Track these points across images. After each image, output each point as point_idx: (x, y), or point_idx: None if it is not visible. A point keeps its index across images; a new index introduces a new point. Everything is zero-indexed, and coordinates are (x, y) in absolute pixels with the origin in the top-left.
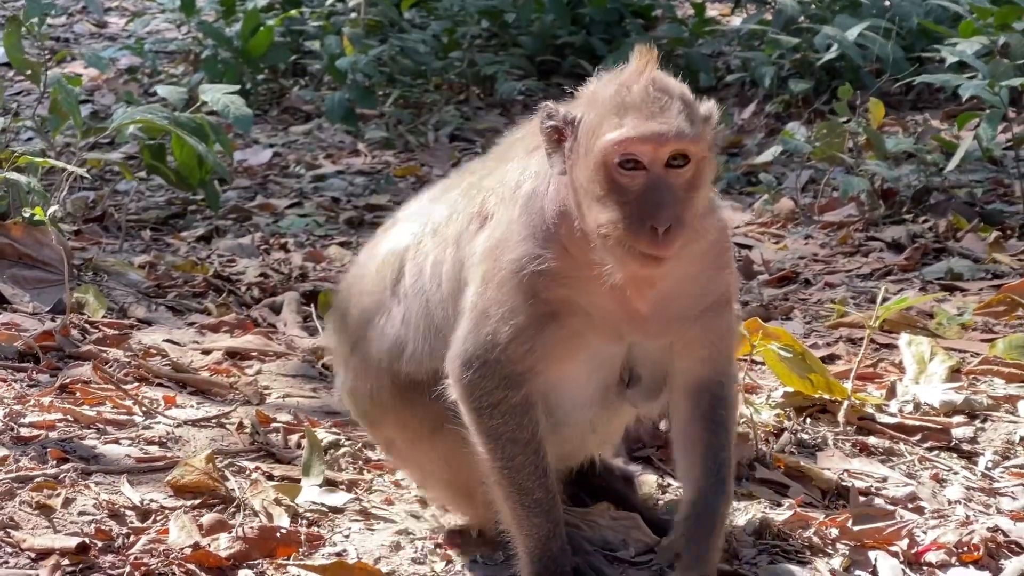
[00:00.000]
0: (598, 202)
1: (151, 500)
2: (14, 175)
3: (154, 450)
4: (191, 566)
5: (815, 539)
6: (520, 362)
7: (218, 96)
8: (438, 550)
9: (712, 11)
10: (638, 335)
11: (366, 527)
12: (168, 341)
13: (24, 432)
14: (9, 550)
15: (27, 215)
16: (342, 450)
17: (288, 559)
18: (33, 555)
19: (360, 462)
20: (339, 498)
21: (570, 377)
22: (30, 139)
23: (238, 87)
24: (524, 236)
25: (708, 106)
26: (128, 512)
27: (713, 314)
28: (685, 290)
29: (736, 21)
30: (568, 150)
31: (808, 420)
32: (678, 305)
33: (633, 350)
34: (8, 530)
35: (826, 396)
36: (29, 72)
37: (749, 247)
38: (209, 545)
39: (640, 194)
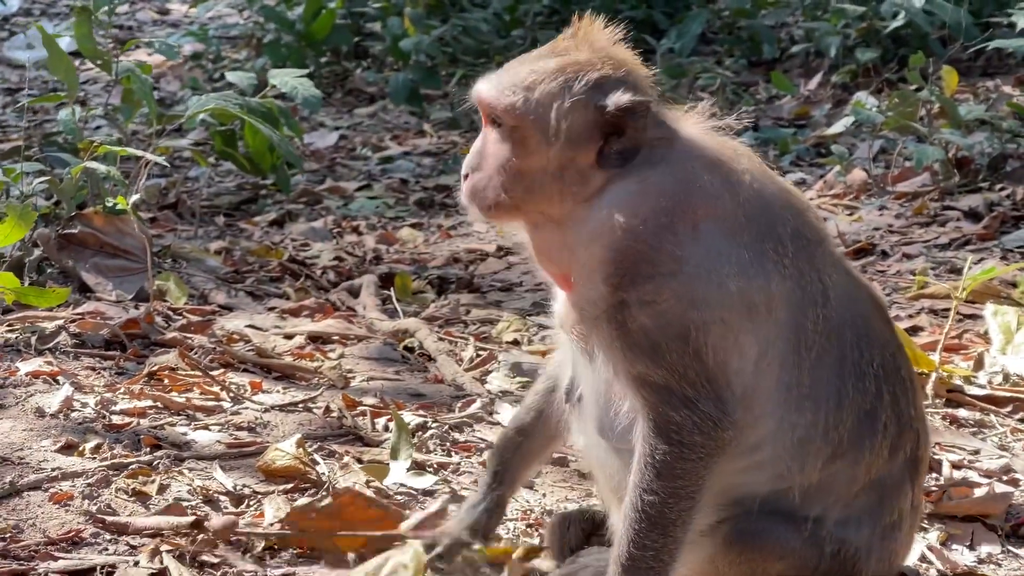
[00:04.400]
0: None
1: (244, 485)
2: (94, 164)
3: (243, 435)
4: None
5: None
6: None
7: (287, 79)
8: (529, 531)
9: None
10: (561, 320)
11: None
12: (250, 327)
13: (116, 420)
14: (108, 536)
15: (110, 204)
16: (429, 432)
17: None
18: (131, 541)
19: (448, 444)
20: (427, 480)
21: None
22: (98, 127)
23: (306, 71)
24: None
25: (604, 102)
26: (222, 497)
27: (620, 317)
28: (579, 277)
29: None
30: None
31: None
32: (582, 292)
33: (574, 351)
34: (105, 516)
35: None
36: (100, 62)
37: (824, 219)
38: None
39: None
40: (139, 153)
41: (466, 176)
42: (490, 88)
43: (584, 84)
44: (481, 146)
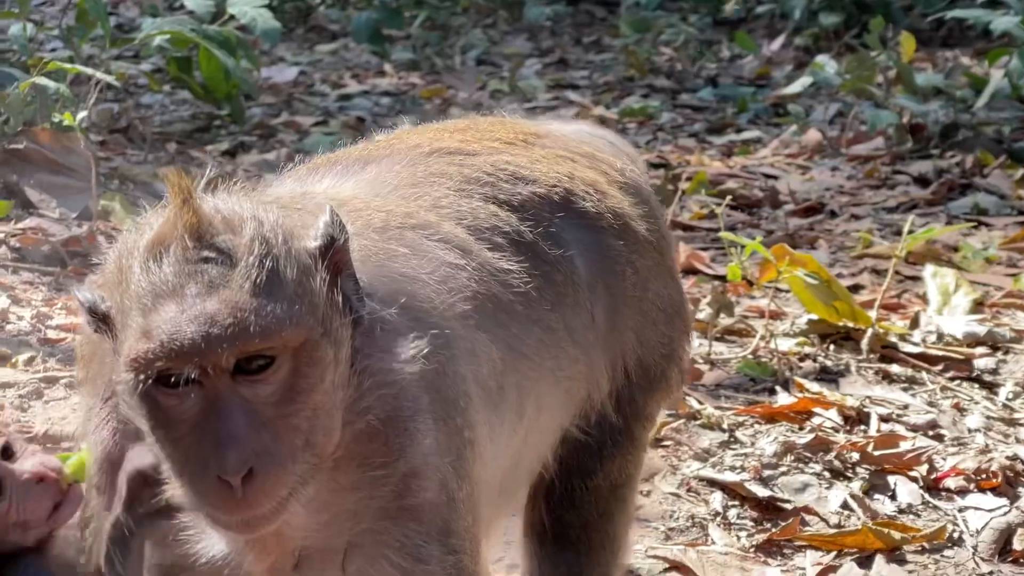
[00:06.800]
0: (152, 442)
1: None
2: (43, 80)
3: None
4: None
5: (836, 463)
6: None
7: (246, 9)
8: None
9: None
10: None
11: None
12: None
13: (51, 334)
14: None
15: (56, 121)
16: None
17: None
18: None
19: None
20: None
21: None
22: (54, 49)
23: (265, 2)
24: None
25: (320, 238)
26: None
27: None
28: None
29: None
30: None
31: (832, 347)
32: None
33: None
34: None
35: (850, 324)
36: None
37: (776, 177)
38: None
39: (195, 425)
40: (89, 71)
41: (249, 473)
42: (251, 319)
43: (287, 238)
44: (232, 426)
